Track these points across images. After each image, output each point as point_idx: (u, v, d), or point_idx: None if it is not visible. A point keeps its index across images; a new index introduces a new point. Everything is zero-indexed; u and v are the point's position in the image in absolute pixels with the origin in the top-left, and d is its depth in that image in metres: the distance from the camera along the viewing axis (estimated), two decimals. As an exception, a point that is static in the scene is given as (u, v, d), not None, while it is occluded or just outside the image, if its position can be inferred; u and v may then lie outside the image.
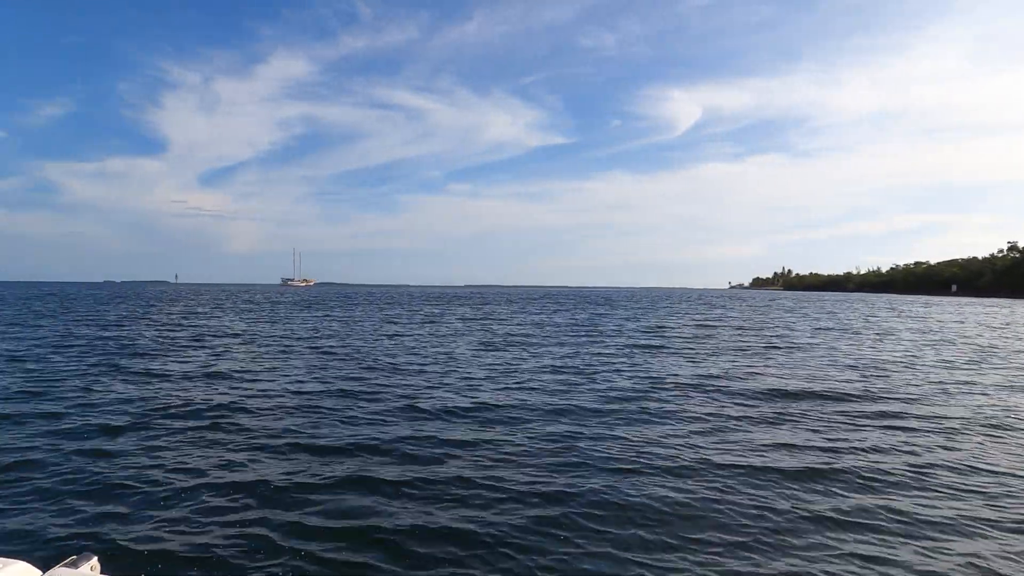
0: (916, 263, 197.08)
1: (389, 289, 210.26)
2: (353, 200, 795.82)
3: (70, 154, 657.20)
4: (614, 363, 16.22)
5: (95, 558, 1.85)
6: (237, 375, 13.43)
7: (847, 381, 13.37)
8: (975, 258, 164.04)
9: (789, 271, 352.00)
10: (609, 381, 13.09)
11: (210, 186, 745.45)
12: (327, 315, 38.62)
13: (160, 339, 21.33)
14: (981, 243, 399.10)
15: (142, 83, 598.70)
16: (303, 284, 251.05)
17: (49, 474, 6.50)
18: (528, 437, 8.15)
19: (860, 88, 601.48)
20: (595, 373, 14.26)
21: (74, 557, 1.83)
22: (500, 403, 10.41)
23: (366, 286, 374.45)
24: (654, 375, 14.03)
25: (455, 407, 9.91)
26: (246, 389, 11.61)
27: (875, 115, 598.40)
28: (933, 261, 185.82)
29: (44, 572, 1.74)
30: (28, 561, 1.76)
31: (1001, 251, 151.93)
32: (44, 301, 55.06)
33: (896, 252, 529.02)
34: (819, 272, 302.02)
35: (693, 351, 19.49)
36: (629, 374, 14.23)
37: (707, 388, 12.30)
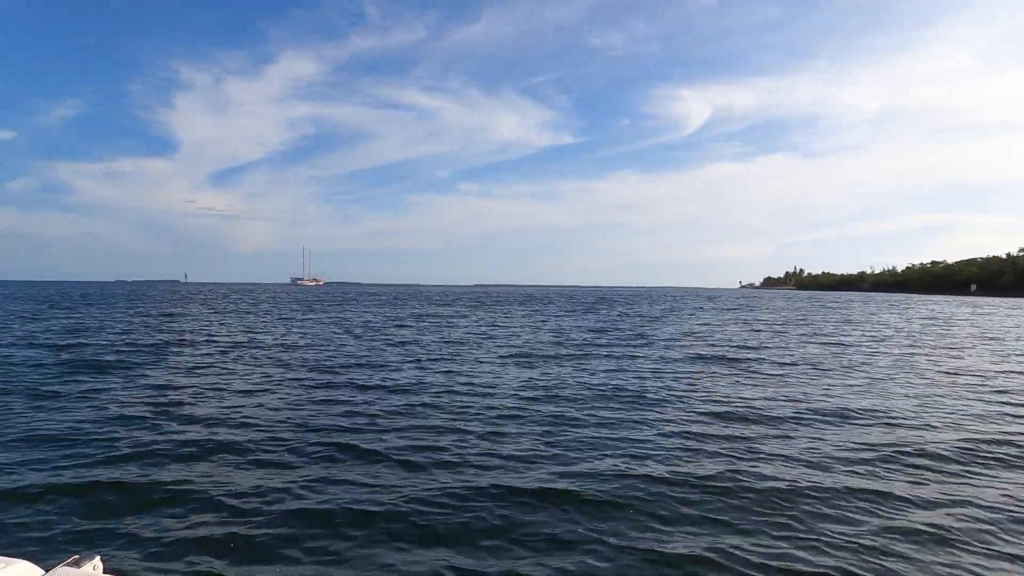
0: (932, 262, 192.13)
1: (399, 288, 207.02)
2: (363, 200, 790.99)
3: (81, 155, 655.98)
4: (668, 382, 13.06)
5: (98, 557, 1.82)
6: (196, 405, 10.27)
7: (999, 420, 10.08)
8: (994, 257, 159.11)
9: (801, 271, 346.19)
10: (680, 414, 9.87)
11: (221, 186, 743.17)
12: (331, 317, 35.52)
13: (130, 347, 18.24)
14: (992, 243, 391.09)
15: (152, 84, 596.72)
16: (313, 283, 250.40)
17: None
18: (610, 542, 4.92)
19: (869, 87, 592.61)
20: (654, 399, 11.07)
21: (76, 556, 1.81)
22: (552, 467, 7.09)
23: (376, 285, 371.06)
24: (727, 402, 10.82)
25: (485, 484, 6.49)
26: (196, 431, 8.43)
27: (884, 114, 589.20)
28: (950, 260, 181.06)
29: (47, 572, 1.71)
30: (31, 561, 1.74)
31: (1022, 250, 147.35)
32: (36, 302, 52.19)
33: (905, 252, 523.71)
34: (830, 272, 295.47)
35: (752, 364, 16.32)
36: (696, 399, 11.07)
37: (814, 431, 9.00)
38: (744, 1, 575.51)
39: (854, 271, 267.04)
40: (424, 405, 10.45)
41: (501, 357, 17.41)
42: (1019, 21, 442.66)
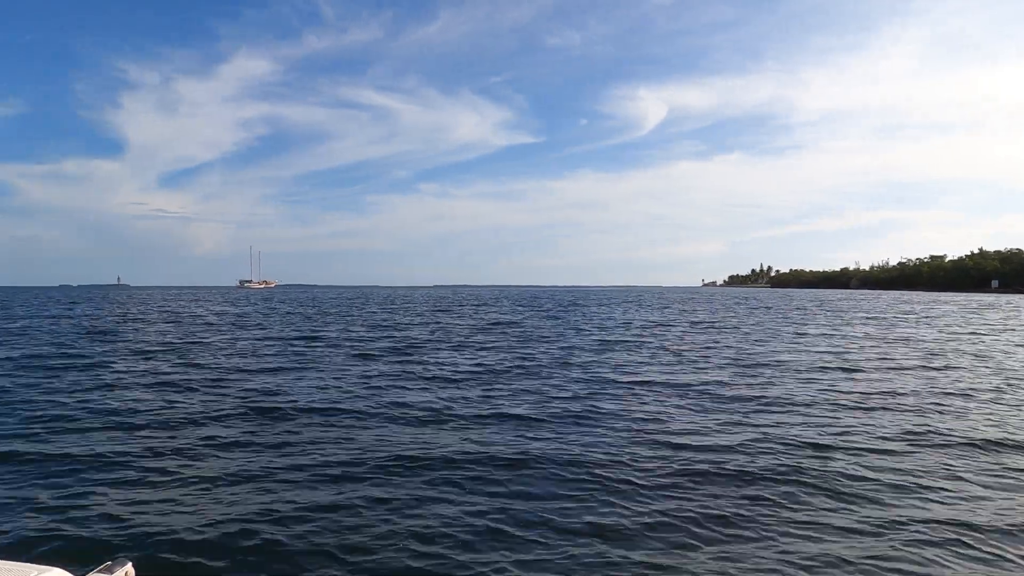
0: (932, 257, 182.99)
1: (354, 291, 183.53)
2: (320, 201, 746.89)
3: (24, 156, 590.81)
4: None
5: (130, 564, 1.81)
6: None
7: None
8: (1016, 251, 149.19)
9: (769, 268, 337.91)
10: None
11: (172, 188, 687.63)
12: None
13: None
14: (936, 239, 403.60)
15: (99, 83, 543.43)
16: (262, 286, 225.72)
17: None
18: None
19: (819, 87, 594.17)
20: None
21: (109, 563, 1.79)
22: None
23: (332, 287, 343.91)
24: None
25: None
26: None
27: (834, 113, 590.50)
28: (950, 256, 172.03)
29: None
30: (63, 567, 1.70)
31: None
32: None
33: (858, 248, 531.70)
34: (799, 268, 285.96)
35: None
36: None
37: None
38: (698, 2, 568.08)
39: (808, 268, 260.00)
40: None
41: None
42: (962, 22, 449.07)
